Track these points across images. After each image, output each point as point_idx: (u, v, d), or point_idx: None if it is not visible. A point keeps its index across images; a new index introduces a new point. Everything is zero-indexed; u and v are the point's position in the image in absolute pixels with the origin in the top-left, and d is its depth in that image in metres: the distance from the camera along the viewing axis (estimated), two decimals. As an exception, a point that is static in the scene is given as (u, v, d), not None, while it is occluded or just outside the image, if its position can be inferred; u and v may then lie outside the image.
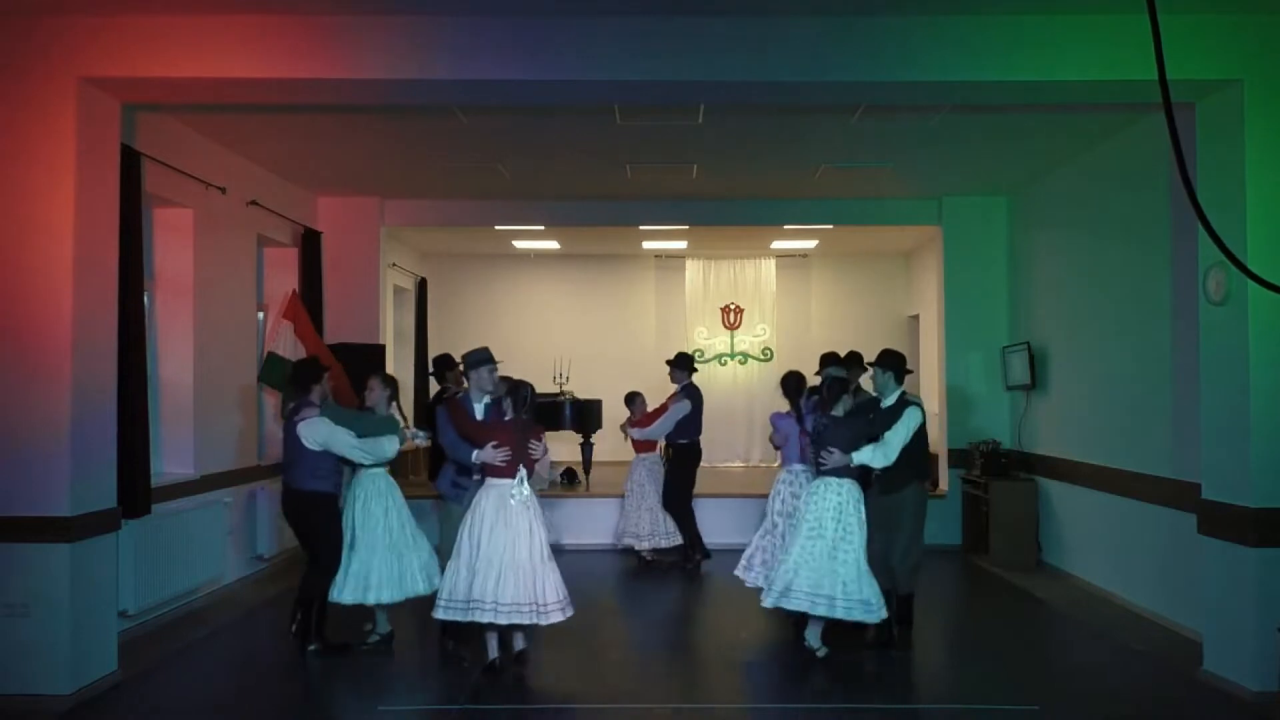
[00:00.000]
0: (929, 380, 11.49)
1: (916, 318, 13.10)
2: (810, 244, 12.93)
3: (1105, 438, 7.64)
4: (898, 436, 5.85)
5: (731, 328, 13.97)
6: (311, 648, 5.99)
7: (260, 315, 8.82)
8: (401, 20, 5.14)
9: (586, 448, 10.73)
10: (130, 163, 6.03)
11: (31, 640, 5.07)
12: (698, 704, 5.33)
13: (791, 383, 6.73)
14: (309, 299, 8.99)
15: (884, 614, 5.70)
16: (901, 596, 6.18)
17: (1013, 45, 5.18)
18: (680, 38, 5.17)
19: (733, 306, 13.95)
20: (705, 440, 13.99)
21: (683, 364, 8.69)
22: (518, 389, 5.62)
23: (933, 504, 7.54)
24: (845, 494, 5.74)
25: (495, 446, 5.46)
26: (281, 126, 7.26)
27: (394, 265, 11.46)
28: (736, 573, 6.68)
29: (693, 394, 8.61)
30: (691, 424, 8.58)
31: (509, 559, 5.32)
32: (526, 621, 5.34)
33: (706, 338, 13.93)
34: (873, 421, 5.98)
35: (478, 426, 5.70)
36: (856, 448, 5.77)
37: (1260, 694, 5.09)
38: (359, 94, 5.56)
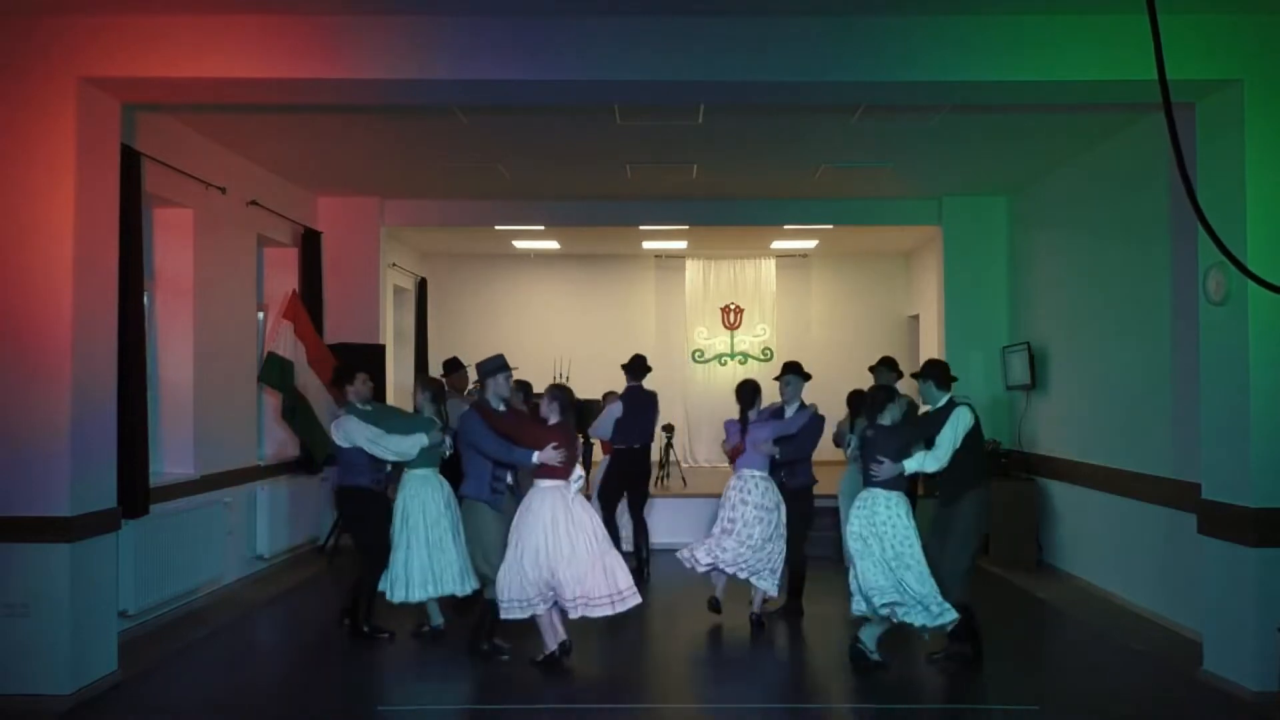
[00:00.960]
0: (929, 380, 11.48)
1: (916, 318, 13.09)
2: (810, 244, 12.92)
3: (1105, 438, 7.64)
4: (947, 438, 5.67)
5: (731, 328, 13.96)
6: (345, 622, 6.38)
7: (260, 315, 8.82)
8: (401, 20, 5.14)
9: (586, 448, 10.73)
10: (130, 163, 6.03)
11: (31, 640, 5.07)
12: (697, 704, 5.33)
13: (746, 392, 6.79)
14: (309, 299, 8.99)
15: (945, 619, 5.47)
16: (953, 606, 5.72)
17: (1013, 45, 5.18)
18: (680, 38, 5.17)
19: (733, 306, 13.94)
20: (705, 440, 13.82)
21: (632, 366, 8.48)
22: (561, 393, 5.79)
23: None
24: (895, 506, 5.57)
25: (555, 448, 5.57)
26: (281, 126, 7.26)
27: (394, 265, 11.45)
28: (682, 560, 6.70)
29: (630, 397, 8.40)
30: (625, 427, 8.34)
31: (584, 554, 5.49)
32: (609, 612, 5.51)
33: (706, 338, 13.93)
34: (924, 426, 5.83)
35: (535, 429, 5.77)
36: (908, 456, 5.64)
37: (1260, 694, 5.09)
38: (359, 94, 5.57)
